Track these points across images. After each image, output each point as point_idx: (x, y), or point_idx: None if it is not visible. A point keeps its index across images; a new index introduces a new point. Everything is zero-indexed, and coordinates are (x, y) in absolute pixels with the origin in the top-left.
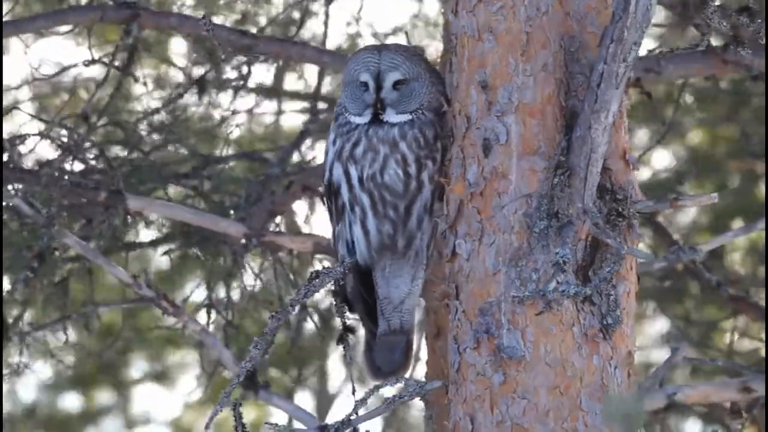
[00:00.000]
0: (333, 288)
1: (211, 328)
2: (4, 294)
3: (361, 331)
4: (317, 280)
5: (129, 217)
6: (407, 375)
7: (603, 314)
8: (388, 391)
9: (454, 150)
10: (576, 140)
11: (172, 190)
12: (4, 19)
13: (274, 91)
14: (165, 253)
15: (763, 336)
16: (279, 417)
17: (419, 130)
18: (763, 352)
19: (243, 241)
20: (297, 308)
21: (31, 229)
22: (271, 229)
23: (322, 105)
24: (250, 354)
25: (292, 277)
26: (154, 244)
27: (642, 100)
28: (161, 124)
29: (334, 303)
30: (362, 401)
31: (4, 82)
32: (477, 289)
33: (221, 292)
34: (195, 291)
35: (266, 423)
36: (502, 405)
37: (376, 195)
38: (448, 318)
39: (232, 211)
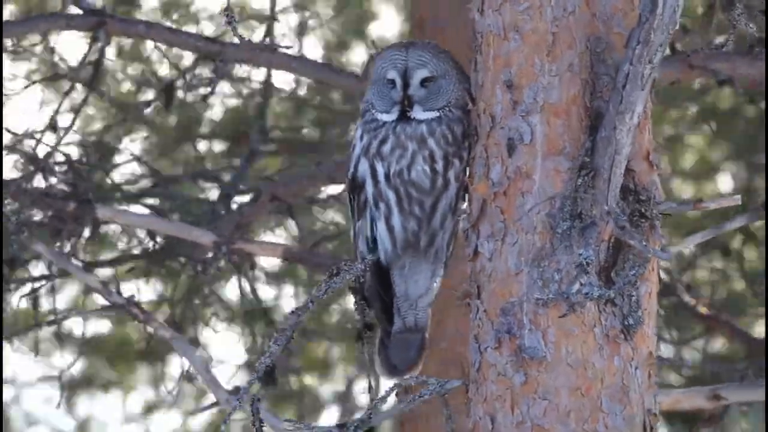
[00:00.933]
0: (352, 285)
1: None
2: None
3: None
4: (338, 277)
5: (98, 227)
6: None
7: (624, 315)
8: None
9: (478, 149)
10: (601, 141)
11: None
12: None
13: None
14: (129, 270)
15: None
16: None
17: (447, 126)
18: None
19: (212, 250)
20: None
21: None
22: (240, 237)
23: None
24: (270, 349)
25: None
26: (117, 261)
27: None
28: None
29: (354, 300)
30: (382, 399)
31: None
32: (499, 289)
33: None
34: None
35: (285, 420)
36: (523, 405)
37: (402, 191)
38: (464, 316)
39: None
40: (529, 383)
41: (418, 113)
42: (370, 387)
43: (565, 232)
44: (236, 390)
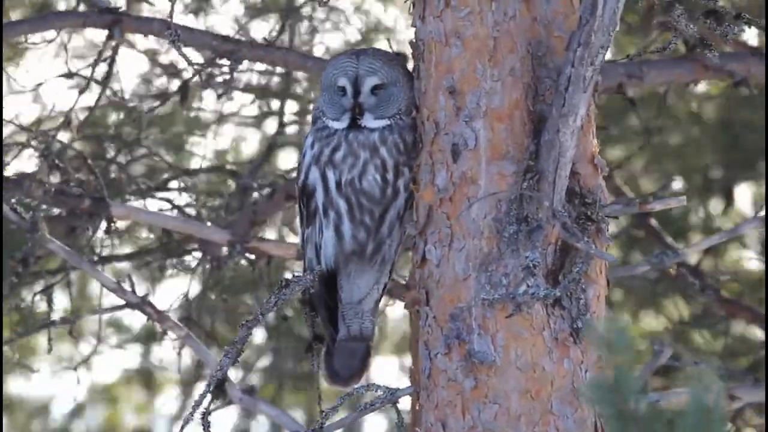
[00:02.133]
0: (301, 296)
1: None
2: None
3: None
4: (287, 289)
5: (113, 225)
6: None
7: (573, 318)
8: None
9: (423, 156)
10: (544, 144)
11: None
12: None
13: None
14: (145, 265)
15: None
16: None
17: (399, 135)
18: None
19: (226, 248)
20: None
21: (15, 234)
22: (254, 235)
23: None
24: (221, 362)
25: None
26: (132, 256)
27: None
28: (136, 138)
29: (304, 311)
30: (333, 409)
31: None
32: (447, 295)
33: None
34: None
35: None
36: (474, 410)
37: (354, 200)
38: (416, 322)
39: (209, 224)
40: (479, 388)
41: (368, 121)
42: (319, 398)
43: (511, 236)
44: (251, 389)
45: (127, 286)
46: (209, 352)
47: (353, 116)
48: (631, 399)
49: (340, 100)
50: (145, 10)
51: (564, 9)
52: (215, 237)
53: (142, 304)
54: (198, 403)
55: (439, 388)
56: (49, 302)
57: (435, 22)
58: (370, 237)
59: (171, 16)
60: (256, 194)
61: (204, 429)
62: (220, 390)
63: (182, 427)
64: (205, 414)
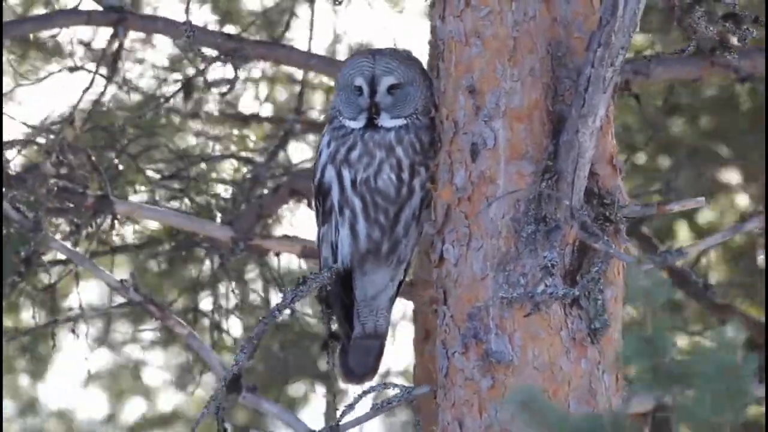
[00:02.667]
0: (318, 294)
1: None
2: None
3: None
4: (304, 286)
5: (116, 221)
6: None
7: (591, 318)
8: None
9: (442, 155)
10: (563, 144)
11: (159, 193)
12: None
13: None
14: (151, 256)
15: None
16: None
17: (415, 134)
18: None
19: (229, 245)
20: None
21: (18, 233)
22: (258, 232)
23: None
24: (237, 358)
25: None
26: (139, 248)
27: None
28: (146, 126)
29: (320, 309)
30: (350, 407)
31: None
32: (465, 294)
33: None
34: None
35: (252, 429)
36: (491, 409)
37: (369, 199)
38: (436, 322)
39: (218, 215)
40: (496, 387)
41: (385, 121)
42: (334, 396)
43: (530, 236)
44: (254, 387)
45: (129, 285)
46: (211, 351)
47: (370, 116)
48: (668, 353)
49: (356, 99)
50: (149, 8)
51: (584, 10)
52: (218, 234)
53: (145, 303)
54: (213, 398)
55: (456, 387)
56: (53, 300)
57: (455, 22)
58: (384, 236)
59: (187, 13)
60: (264, 188)
61: (219, 424)
62: (235, 385)
63: (197, 423)
64: (219, 409)
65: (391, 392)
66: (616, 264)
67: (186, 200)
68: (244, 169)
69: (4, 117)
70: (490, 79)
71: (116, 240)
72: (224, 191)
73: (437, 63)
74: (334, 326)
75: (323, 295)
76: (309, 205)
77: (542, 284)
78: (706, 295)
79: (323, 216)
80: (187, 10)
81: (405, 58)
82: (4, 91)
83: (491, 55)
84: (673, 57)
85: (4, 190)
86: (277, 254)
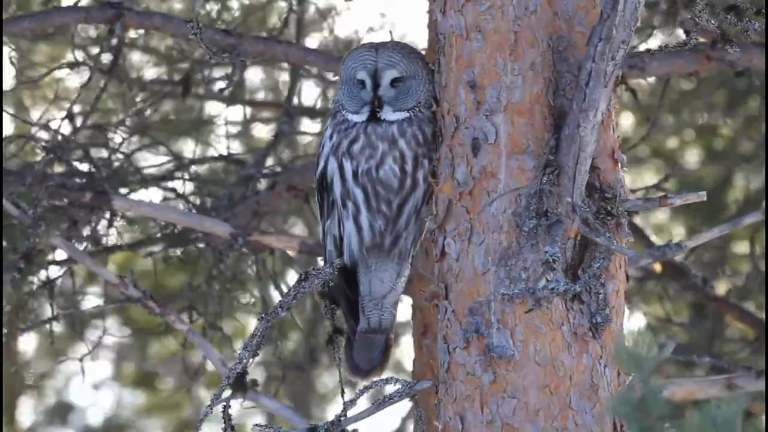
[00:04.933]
0: (321, 289)
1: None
2: None
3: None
4: (306, 282)
5: (114, 218)
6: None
7: (592, 313)
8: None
9: (443, 150)
10: (565, 139)
11: (153, 193)
12: None
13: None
14: (147, 255)
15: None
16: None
17: (418, 127)
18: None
19: (228, 241)
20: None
21: (19, 230)
22: (257, 228)
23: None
24: (240, 355)
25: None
26: (135, 246)
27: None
28: (141, 126)
29: (324, 304)
30: (352, 402)
31: None
32: (466, 289)
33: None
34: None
35: (255, 425)
36: (492, 404)
37: (370, 190)
38: (435, 316)
39: (213, 213)
40: (497, 382)
41: (388, 114)
42: (342, 390)
43: (531, 231)
44: (253, 382)
45: (128, 281)
46: (212, 346)
47: (373, 109)
48: (658, 417)
49: (359, 93)
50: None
51: (585, 4)
52: (217, 230)
53: (144, 299)
54: (217, 396)
55: (458, 382)
56: (51, 296)
57: (456, 16)
58: (388, 227)
59: (194, 8)
60: (259, 185)
61: (225, 422)
62: (239, 383)
63: (201, 421)
64: (225, 407)
65: (393, 387)
66: (617, 258)
67: (180, 201)
68: (232, 169)
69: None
70: (491, 74)
71: (113, 239)
72: (219, 191)
73: (438, 57)
74: (337, 321)
75: (326, 291)
76: (306, 201)
77: (543, 279)
78: (704, 290)
79: (327, 209)
80: (194, 6)
81: (407, 51)
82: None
83: (492, 49)
84: (670, 51)
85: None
86: (272, 251)
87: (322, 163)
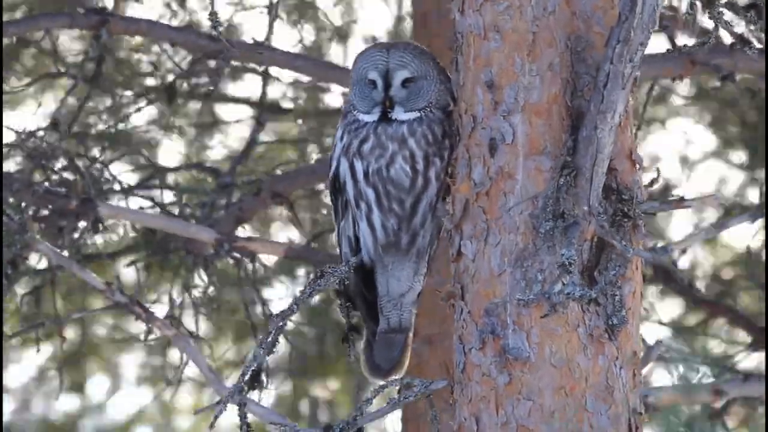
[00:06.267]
0: (337, 288)
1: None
2: None
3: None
4: (322, 280)
5: (100, 225)
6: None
7: (609, 315)
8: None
9: (460, 149)
10: (582, 140)
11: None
12: None
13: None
14: (130, 263)
15: (739, 338)
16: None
17: (428, 127)
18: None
19: (213, 247)
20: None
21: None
22: (242, 234)
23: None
24: (255, 352)
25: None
26: (116, 254)
27: None
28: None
29: (339, 302)
30: (367, 401)
31: None
32: (482, 290)
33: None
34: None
35: (271, 423)
36: (508, 406)
37: (381, 189)
38: (450, 317)
39: (193, 221)
40: (513, 384)
41: (399, 114)
42: (358, 388)
43: (548, 232)
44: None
45: (115, 287)
46: (198, 351)
47: (384, 109)
48: None
49: (370, 93)
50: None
51: (603, 4)
52: (202, 236)
53: (131, 305)
54: (232, 394)
55: (473, 383)
56: (37, 303)
57: (474, 16)
58: (402, 227)
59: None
60: (238, 193)
61: (240, 420)
62: (255, 381)
63: (215, 418)
64: (241, 405)
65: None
66: (634, 259)
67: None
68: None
69: None
70: (509, 74)
71: (98, 245)
72: (197, 199)
73: (456, 56)
74: (353, 319)
75: (341, 289)
76: (290, 208)
77: (559, 283)
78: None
79: (341, 211)
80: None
81: (419, 51)
82: None
83: (510, 49)
84: (655, 54)
85: None
86: (253, 259)
87: (334, 164)
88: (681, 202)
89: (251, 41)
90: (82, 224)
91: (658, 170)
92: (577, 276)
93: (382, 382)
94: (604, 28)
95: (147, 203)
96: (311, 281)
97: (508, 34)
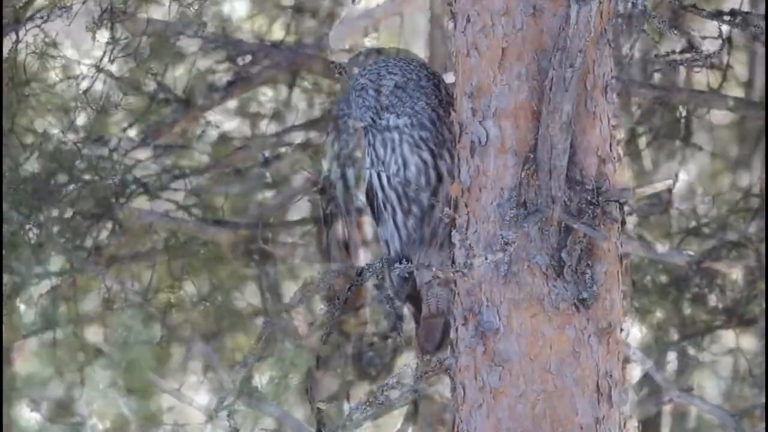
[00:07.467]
0: (376, 282)
1: None
2: None
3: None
4: (360, 277)
5: (118, 227)
6: None
7: (579, 290)
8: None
9: (456, 154)
10: (540, 138)
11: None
12: None
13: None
14: (149, 267)
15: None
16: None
17: (421, 128)
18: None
19: (233, 249)
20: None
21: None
22: (261, 236)
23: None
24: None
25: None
26: (137, 257)
27: None
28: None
29: (382, 294)
30: (357, 407)
31: None
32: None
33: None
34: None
35: (262, 429)
36: (483, 372)
37: (401, 192)
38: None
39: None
40: (487, 353)
41: (390, 120)
42: (348, 395)
43: (512, 219)
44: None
45: (132, 288)
46: (215, 354)
47: (375, 115)
48: None
49: (361, 100)
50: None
51: None
52: (224, 238)
53: (146, 306)
54: (307, 380)
55: (462, 355)
56: (54, 303)
57: (461, 36)
58: (423, 224)
59: None
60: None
61: (311, 403)
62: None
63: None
64: (310, 388)
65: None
66: (607, 242)
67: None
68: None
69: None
70: (485, 85)
71: (113, 248)
72: (219, 202)
73: (452, 72)
74: (398, 309)
75: (380, 283)
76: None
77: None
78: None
79: (376, 217)
80: None
81: (409, 58)
82: None
83: (486, 63)
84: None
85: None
86: (273, 258)
87: (367, 176)
88: (635, 190)
89: None
90: (100, 226)
91: (676, 175)
92: (542, 256)
93: (373, 389)
94: None
95: (170, 206)
96: (354, 277)
97: (483, 51)
